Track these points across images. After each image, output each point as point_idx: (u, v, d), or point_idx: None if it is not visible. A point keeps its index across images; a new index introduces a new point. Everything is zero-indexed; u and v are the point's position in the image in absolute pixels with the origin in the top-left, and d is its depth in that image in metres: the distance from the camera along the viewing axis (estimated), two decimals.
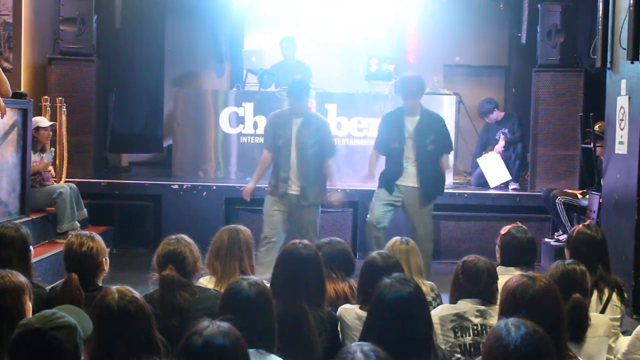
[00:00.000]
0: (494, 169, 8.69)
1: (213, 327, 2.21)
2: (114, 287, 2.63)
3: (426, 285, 3.92)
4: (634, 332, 3.28)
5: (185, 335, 2.23)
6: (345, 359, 2.10)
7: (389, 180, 6.37)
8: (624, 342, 3.39)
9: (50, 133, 7.14)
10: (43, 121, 7.07)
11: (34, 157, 6.85)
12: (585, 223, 5.39)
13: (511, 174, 8.70)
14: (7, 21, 8.07)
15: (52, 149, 7.36)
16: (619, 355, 3.33)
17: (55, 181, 7.18)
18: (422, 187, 6.29)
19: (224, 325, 2.24)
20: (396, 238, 4.10)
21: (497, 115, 9.07)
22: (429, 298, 3.78)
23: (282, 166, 6.17)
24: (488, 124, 9.20)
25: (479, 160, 8.85)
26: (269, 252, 5.97)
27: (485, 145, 9.06)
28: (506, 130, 8.90)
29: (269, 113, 8.48)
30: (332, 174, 6.29)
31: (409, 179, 6.32)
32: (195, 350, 2.18)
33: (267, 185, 6.35)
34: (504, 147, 8.79)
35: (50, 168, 7.16)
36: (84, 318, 2.59)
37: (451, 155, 6.70)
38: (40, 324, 2.20)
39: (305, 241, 3.52)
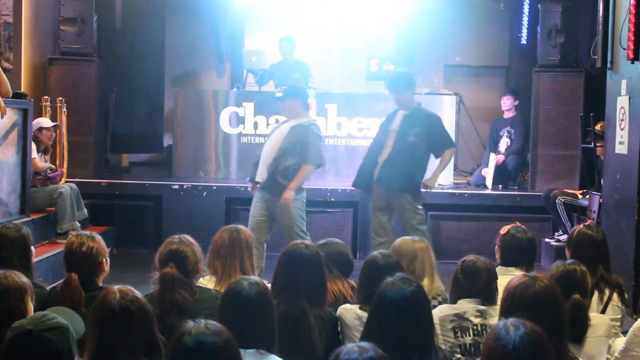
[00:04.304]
0: (490, 171, 8.64)
1: (200, 326, 2.20)
2: (115, 287, 2.63)
3: (440, 285, 3.88)
4: (632, 329, 3.28)
5: (175, 336, 2.22)
6: (340, 353, 2.10)
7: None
8: (620, 342, 3.39)
9: (53, 134, 7.15)
10: (46, 122, 7.08)
11: (37, 157, 6.86)
12: (586, 223, 5.40)
13: (510, 176, 8.70)
14: (7, 21, 8.07)
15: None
16: (616, 354, 3.33)
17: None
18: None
19: (212, 324, 2.23)
20: (409, 237, 4.05)
21: (508, 102, 8.85)
22: (439, 299, 3.77)
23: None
24: (496, 121, 9.08)
25: (491, 155, 8.74)
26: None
27: (497, 143, 8.94)
28: (512, 130, 8.83)
29: (269, 113, 8.51)
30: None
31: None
32: (187, 350, 2.16)
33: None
34: (504, 154, 8.69)
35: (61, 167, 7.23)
36: (75, 319, 2.59)
37: (449, 150, 6.33)
38: (32, 326, 2.19)
39: (307, 242, 3.53)
